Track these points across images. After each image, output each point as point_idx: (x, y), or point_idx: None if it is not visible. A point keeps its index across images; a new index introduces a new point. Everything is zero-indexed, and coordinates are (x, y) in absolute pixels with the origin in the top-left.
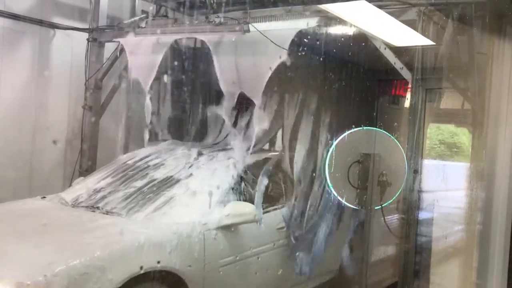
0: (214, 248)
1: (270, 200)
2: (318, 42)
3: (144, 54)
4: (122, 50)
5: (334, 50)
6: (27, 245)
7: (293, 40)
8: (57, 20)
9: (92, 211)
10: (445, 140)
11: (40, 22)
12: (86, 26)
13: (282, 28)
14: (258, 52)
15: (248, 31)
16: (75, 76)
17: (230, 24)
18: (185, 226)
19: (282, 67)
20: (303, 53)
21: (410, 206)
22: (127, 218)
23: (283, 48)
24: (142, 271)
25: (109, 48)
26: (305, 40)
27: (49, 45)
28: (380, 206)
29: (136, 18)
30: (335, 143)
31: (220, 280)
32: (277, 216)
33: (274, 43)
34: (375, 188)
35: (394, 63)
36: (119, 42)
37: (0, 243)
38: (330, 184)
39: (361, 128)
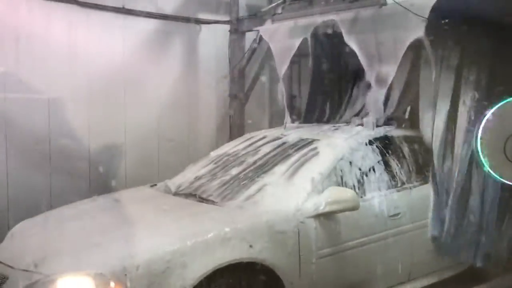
0: (310, 239)
1: (382, 183)
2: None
3: (281, 40)
4: (261, 38)
5: (491, 13)
6: (116, 235)
7: (433, 8)
8: (201, 15)
9: (189, 199)
10: None
11: (187, 19)
12: (227, 18)
13: None
14: (396, 25)
15: (385, 3)
16: (221, 67)
17: None
18: (278, 215)
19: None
20: (447, 20)
21: None
22: (221, 206)
23: (423, 18)
24: (227, 263)
25: (250, 38)
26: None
27: (196, 40)
28: None
29: (273, 4)
30: (487, 115)
31: (317, 274)
32: (390, 202)
33: (414, 13)
34: None
35: None
36: (258, 30)
37: (90, 233)
38: (483, 162)
39: None
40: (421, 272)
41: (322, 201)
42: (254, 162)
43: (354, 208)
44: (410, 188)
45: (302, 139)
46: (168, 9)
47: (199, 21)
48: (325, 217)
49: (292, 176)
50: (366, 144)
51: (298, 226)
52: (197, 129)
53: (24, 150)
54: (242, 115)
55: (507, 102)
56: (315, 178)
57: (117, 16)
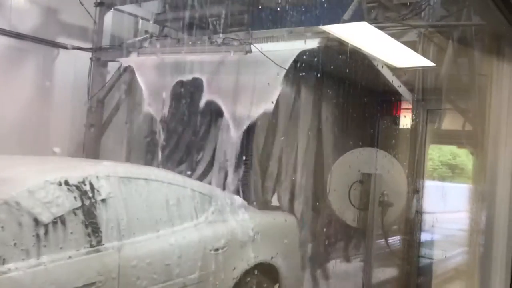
0: None
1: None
2: (319, 63)
3: (150, 73)
4: (125, 69)
5: (335, 71)
6: None
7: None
8: (61, 40)
9: None
10: (446, 162)
11: (44, 42)
12: (89, 45)
13: (283, 49)
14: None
15: (250, 51)
16: (77, 94)
17: (231, 44)
18: None
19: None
20: (304, 73)
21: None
22: None
23: (283, 68)
24: None
25: (111, 68)
26: (305, 60)
27: (52, 64)
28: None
29: (140, 38)
30: (335, 163)
31: None
32: (81, 267)
33: (275, 63)
34: (376, 208)
35: (395, 84)
36: (121, 62)
37: None
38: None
39: (362, 148)
40: None
41: None
42: None
43: None
44: (118, 249)
45: None
46: (24, 28)
47: (56, 45)
48: None
49: None
50: (61, 184)
51: None
52: None
53: None
54: (98, 146)
55: (352, 152)
56: None
57: None
